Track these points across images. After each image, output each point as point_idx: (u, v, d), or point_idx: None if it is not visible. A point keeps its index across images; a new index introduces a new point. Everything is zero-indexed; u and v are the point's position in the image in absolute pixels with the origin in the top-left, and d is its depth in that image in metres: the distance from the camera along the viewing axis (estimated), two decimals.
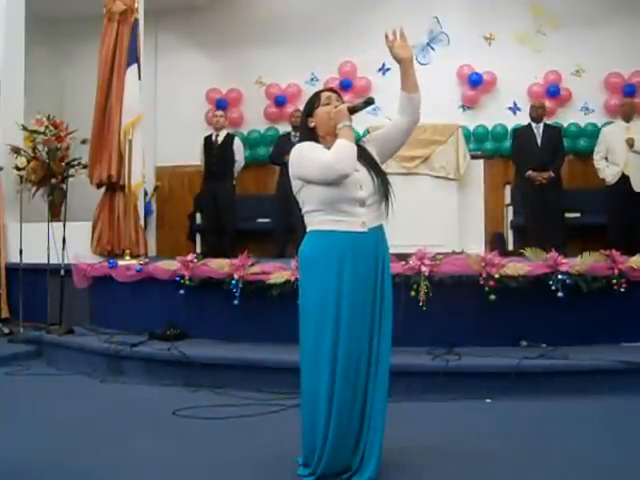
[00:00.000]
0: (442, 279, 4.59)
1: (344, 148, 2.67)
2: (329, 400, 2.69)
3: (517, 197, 7.10)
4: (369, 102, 2.78)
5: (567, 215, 6.99)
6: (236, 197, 7.52)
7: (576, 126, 7.77)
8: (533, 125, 6.93)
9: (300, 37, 8.32)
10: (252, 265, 4.96)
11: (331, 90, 2.95)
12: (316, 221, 2.77)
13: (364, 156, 2.80)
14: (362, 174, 2.76)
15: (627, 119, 6.73)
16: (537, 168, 6.70)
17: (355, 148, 2.71)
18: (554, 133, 6.97)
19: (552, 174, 6.68)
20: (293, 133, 7.16)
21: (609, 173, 6.68)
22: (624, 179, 6.57)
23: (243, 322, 4.86)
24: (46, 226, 6.10)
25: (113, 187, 6.44)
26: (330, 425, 2.68)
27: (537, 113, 6.93)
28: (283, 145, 6.80)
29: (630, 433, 3.33)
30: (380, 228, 2.83)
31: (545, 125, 6.96)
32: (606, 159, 6.74)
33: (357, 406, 2.72)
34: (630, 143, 6.50)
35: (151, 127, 8.02)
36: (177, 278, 5.15)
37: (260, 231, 7.67)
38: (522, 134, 7.02)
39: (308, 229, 2.82)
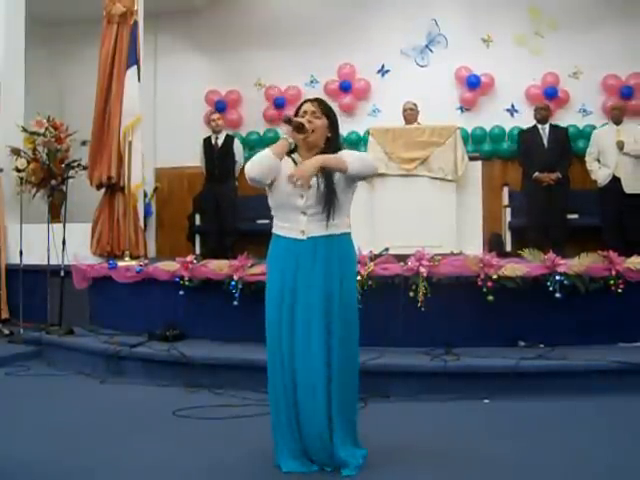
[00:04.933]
0: (440, 280, 4.61)
1: (257, 155, 2.85)
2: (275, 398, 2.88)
3: (524, 199, 6.99)
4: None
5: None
6: (237, 198, 7.52)
7: (574, 128, 7.76)
8: (539, 127, 6.92)
9: (299, 39, 8.34)
10: (252, 266, 4.98)
11: (311, 100, 2.99)
12: (273, 225, 2.96)
13: (325, 171, 2.82)
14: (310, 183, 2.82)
15: (617, 122, 6.75)
16: (544, 169, 6.70)
17: (267, 156, 2.80)
18: (560, 134, 6.95)
19: (560, 175, 6.70)
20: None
21: (601, 174, 6.70)
22: (615, 180, 6.59)
23: (242, 323, 4.86)
24: (46, 227, 6.12)
25: (113, 188, 6.46)
26: (274, 416, 2.89)
27: (541, 115, 6.93)
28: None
29: (627, 433, 3.35)
30: (328, 238, 2.84)
31: (551, 126, 6.95)
32: (598, 161, 6.77)
33: (302, 403, 2.81)
34: (620, 146, 6.52)
35: (150, 128, 8.04)
36: (177, 279, 5.18)
37: (260, 232, 7.61)
38: (528, 136, 6.99)
39: None
